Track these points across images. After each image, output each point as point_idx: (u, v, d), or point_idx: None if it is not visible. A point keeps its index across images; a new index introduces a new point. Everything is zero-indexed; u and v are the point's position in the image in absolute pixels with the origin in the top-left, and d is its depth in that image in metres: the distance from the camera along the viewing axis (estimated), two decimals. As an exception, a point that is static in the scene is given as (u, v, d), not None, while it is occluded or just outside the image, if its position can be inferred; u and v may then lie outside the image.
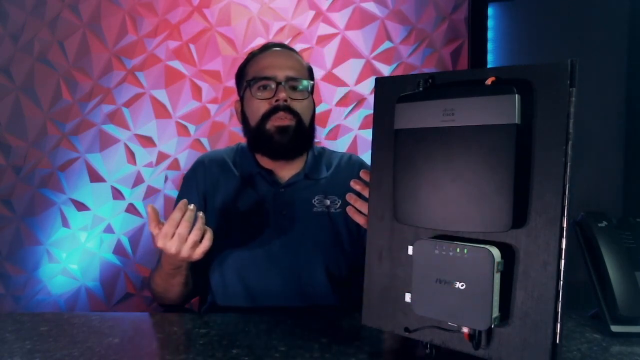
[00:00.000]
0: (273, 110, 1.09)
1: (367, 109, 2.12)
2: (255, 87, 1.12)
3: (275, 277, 1.08)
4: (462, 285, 0.61)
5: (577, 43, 1.87)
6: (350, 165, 1.21)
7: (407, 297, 0.68)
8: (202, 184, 1.16)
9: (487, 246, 0.60)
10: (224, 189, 1.14)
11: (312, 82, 1.17)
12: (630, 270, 0.83)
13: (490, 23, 1.99)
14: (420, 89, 0.68)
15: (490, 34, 1.99)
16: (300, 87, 1.13)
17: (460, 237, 0.65)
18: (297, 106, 1.11)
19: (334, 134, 2.12)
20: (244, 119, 1.18)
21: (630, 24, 1.84)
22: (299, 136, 1.11)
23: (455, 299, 0.61)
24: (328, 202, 1.14)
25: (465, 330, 0.63)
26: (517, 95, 0.59)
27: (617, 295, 0.81)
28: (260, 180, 1.15)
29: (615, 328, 0.82)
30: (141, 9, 2.08)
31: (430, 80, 0.68)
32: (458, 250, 0.61)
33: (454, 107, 0.63)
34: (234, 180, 1.15)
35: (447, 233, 0.66)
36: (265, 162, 1.16)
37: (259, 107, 1.11)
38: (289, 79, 1.11)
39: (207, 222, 0.94)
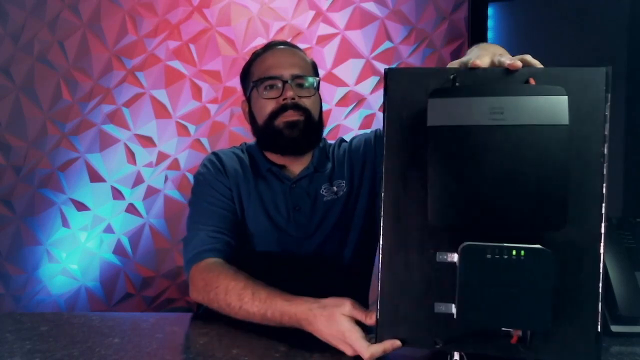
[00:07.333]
0: (281, 109, 1.10)
1: (367, 109, 2.12)
2: (262, 87, 1.12)
3: (293, 272, 1.09)
4: (517, 289, 0.59)
5: (577, 43, 1.87)
6: (341, 148, 1.24)
7: (438, 307, 0.65)
8: (226, 176, 1.15)
9: (542, 247, 0.59)
10: (242, 185, 1.15)
11: (317, 78, 1.18)
12: (630, 270, 0.83)
13: (490, 23, 1.99)
14: (457, 84, 0.66)
15: (490, 34, 1.99)
16: (307, 84, 1.14)
17: (493, 237, 0.62)
18: (306, 102, 1.12)
19: (334, 134, 2.11)
20: (252, 118, 1.18)
21: (630, 24, 1.84)
22: (309, 131, 1.12)
23: (511, 303, 0.60)
24: (335, 188, 1.16)
25: (516, 333, 0.62)
26: (567, 97, 0.60)
27: (617, 295, 0.81)
28: (271, 177, 1.16)
29: (615, 328, 0.82)
30: (141, 9, 2.08)
31: (456, 76, 0.67)
32: (514, 252, 0.59)
33: (502, 106, 0.62)
34: (249, 178, 1.16)
35: (486, 235, 0.62)
36: (275, 158, 1.17)
37: (266, 106, 1.11)
38: (295, 77, 1.11)
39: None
